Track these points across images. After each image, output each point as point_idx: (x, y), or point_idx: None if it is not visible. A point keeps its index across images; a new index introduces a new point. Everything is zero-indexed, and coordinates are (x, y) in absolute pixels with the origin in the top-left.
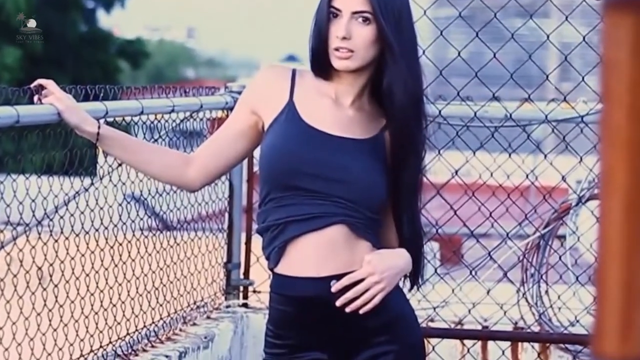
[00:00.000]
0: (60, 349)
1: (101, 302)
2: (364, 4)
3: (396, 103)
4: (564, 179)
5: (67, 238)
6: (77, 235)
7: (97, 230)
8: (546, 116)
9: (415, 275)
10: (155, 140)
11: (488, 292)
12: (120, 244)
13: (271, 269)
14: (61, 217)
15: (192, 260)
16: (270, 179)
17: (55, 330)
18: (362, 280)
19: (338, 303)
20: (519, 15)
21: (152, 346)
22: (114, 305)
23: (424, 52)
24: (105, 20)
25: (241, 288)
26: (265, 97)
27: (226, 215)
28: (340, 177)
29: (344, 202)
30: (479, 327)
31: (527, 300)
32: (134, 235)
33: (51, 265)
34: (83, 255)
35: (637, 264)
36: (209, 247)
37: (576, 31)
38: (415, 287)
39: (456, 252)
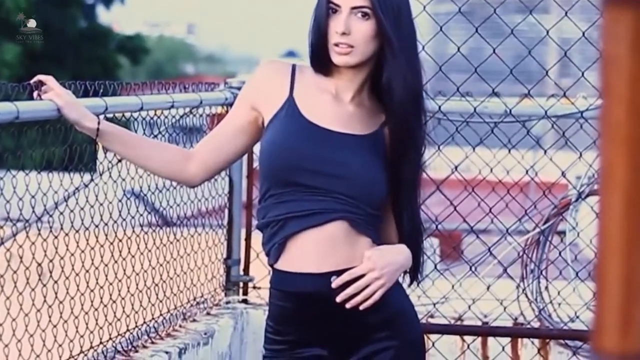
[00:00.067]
0: (60, 345)
1: (101, 298)
2: None
3: (395, 98)
4: (563, 174)
5: (66, 234)
6: (76, 231)
7: (96, 226)
8: (546, 112)
9: (415, 271)
10: (155, 136)
11: (488, 288)
12: (120, 240)
13: (271, 265)
14: (61, 213)
15: (192, 256)
16: (271, 175)
17: (55, 326)
18: (362, 276)
19: (338, 299)
20: (518, 10)
21: (152, 342)
22: (114, 302)
23: (423, 47)
24: (105, 16)
25: (241, 284)
26: (265, 92)
27: (226, 211)
28: (340, 173)
29: (344, 198)
30: (479, 323)
31: (527, 296)
32: (133, 231)
33: (51, 261)
34: (83, 252)
35: (636, 260)
36: (209, 243)
37: (576, 27)
38: (414, 283)
39: (456, 248)
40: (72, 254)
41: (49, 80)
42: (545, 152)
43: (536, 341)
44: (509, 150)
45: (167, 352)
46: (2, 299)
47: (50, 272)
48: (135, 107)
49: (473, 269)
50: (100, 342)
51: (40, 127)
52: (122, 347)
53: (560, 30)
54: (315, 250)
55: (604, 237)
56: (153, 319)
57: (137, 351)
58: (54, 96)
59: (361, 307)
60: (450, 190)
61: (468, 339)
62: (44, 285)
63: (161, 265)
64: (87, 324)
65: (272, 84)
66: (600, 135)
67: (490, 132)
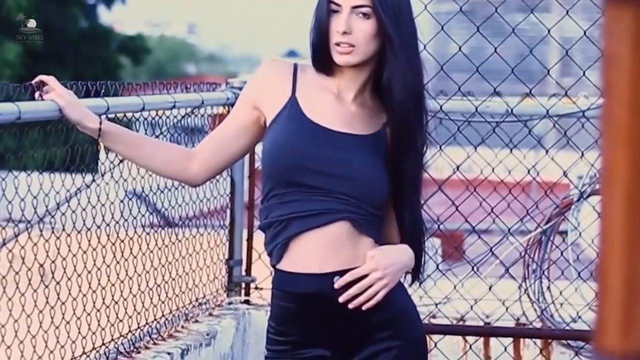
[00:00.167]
0: (62, 347)
1: (103, 299)
2: None
3: (396, 97)
4: (565, 174)
5: (68, 235)
6: (78, 232)
7: (98, 227)
8: (547, 111)
9: (417, 270)
10: (157, 137)
11: (490, 288)
12: (122, 241)
13: (273, 266)
14: (63, 214)
15: (194, 257)
16: (273, 175)
17: (57, 327)
18: (365, 276)
19: (341, 299)
20: (519, 10)
21: (154, 343)
22: (116, 303)
23: (424, 47)
24: (106, 16)
25: (243, 285)
26: (267, 92)
27: (228, 211)
28: (343, 173)
29: (347, 199)
30: (481, 324)
31: (529, 296)
32: (135, 232)
33: (53, 262)
34: (85, 252)
35: (638, 259)
36: (211, 243)
37: (577, 26)
38: (416, 282)
39: (458, 248)
40: (74, 255)
41: (50, 80)
42: (546, 151)
43: (538, 341)
44: (511, 150)
45: (169, 353)
46: (5, 300)
47: (52, 273)
48: (137, 108)
49: (475, 269)
50: (103, 344)
51: (42, 128)
52: (125, 348)
53: (562, 29)
54: (318, 250)
55: (605, 236)
56: (155, 320)
57: (139, 352)
58: (56, 96)
59: (364, 307)
60: (451, 190)
61: (470, 339)
62: (46, 286)
63: (163, 266)
64: (89, 325)
65: (274, 84)
66: (602, 135)
67: (492, 132)
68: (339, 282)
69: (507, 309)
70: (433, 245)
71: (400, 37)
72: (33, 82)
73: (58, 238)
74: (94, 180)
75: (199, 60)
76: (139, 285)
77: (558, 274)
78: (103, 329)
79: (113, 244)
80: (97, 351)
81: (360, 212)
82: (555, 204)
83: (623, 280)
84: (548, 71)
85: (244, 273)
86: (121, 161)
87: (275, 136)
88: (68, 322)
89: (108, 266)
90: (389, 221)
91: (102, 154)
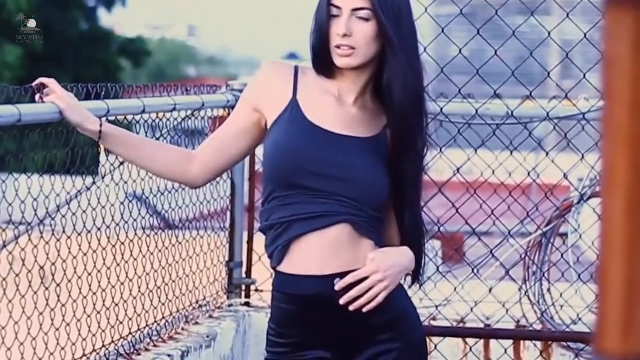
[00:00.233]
0: (62, 349)
1: (103, 301)
2: (364, 1)
3: (396, 99)
4: (565, 176)
5: (69, 237)
6: (79, 234)
7: (99, 229)
8: (548, 114)
9: (417, 272)
10: (157, 139)
11: (490, 291)
12: (122, 243)
13: (274, 268)
14: (63, 216)
15: (194, 259)
16: (274, 177)
17: (57, 329)
18: (365, 278)
19: (342, 301)
20: (520, 12)
21: (155, 345)
22: (117, 305)
23: (425, 49)
24: (107, 18)
25: (243, 287)
26: (268, 94)
27: (228, 214)
28: (344, 176)
29: (348, 201)
30: (481, 326)
31: (529, 299)
32: (135, 234)
33: (53, 264)
34: (85, 255)
35: (639, 261)
36: (211, 246)
37: (577, 28)
38: (416, 284)
39: (458, 251)
40: (75, 257)
41: (50, 82)
42: (547, 154)
43: (538, 344)
44: (511, 152)
45: (169, 355)
46: (5, 302)
47: (53, 275)
48: (137, 110)
49: (475, 271)
50: (103, 345)
51: (43, 130)
52: (125, 350)
53: (562, 32)
54: (319, 253)
55: (606, 238)
56: (155, 322)
57: (139, 354)
58: (56, 99)
59: (364, 310)
60: (452, 193)
61: (470, 341)
62: (47, 289)
63: (163, 268)
64: (89, 327)
65: (275, 86)
66: (602, 136)
67: (492, 134)
68: (339, 284)
69: (507, 311)
70: (433, 247)
71: (401, 39)
72: (33, 84)
73: (58, 240)
74: (94, 183)
75: (199, 63)
76: (139, 288)
77: (558, 276)
78: (103, 331)
79: (113, 247)
80: (97, 353)
81: (361, 215)
82: (555, 206)
83: (624, 282)
84: (548, 74)
85: (244, 275)
86: (121, 163)
87: (276, 139)
88: (68, 324)
89: (108, 268)
90: (389, 223)
91: (102, 157)
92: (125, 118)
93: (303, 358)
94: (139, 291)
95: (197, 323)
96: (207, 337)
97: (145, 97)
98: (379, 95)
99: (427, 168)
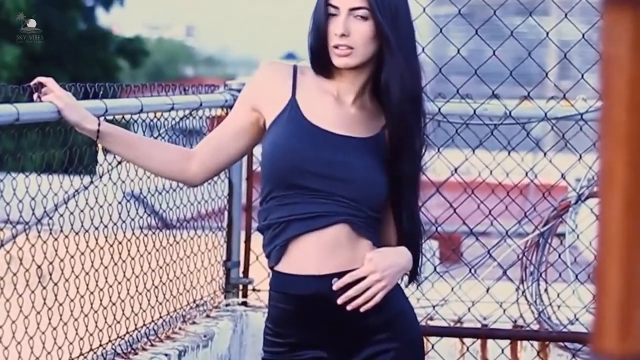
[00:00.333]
0: (59, 348)
1: (101, 300)
2: (361, 0)
3: (393, 98)
4: (563, 176)
5: (66, 236)
6: (76, 233)
7: (96, 228)
8: (545, 114)
9: (414, 272)
10: (155, 139)
11: (487, 291)
12: (120, 243)
13: (271, 267)
14: (61, 216)
15: (192, 258)
16: (273, 177)
17: (54, 328)
18: (363, 278)
19: (339, 301)
20: (518, 13)
21: (152, 345)
22: (114, 304)
23: (423, 49)
24: (105, 18)
25: (240, 286)
26: (266, 93)
27: (225, 213)
28: (343, 176)
29: (347, 202)
30: (479, 326)
31: (526, 299)
32: (133, 233)
33: (51, 263)
34: (83, 254)
35: (636, 261)
36: (209, 245)
37: (575, 29)
38: (412, 283)
39: (455, 251)
40: (72, 257)
41: (49, 82)
42: (544, 154)
43: (535, 344)
44: (509, 153)
45: (166, 355)
46: (2, 301)
47: (50, 275)
48: (135, 109)
49: (472, 271)
50: (100, 345)
51: (41, 129)
52: (122, 350)
53: (560, 32)
54: (317, 252)
55: (603, 238)
56: (153, 321)
57: (136, 354)
58: (54, 98)
59: (362, 309)
60: (449, 193)
61: (467, 341)
62: (44, 288)
63: (161, 267)
64: (86, 326)
65: (274, 85)
66: (600, 136)
67: (490, 134)
68: (337, 284)
69: (504, 311)
70: (431, 247)
71: (398, 39)
72: (31, 83)
73: (56, 239)
74: (92, 182)
75: (197, 63)
76: (137, 287)
77: (556, 277)
78: (100, 331)
79: (111, 246)
80: (95, 352)
81: (359, 215)
82: (553, 206)
83: (621, 282)
84: (546, 74)
85: (241, 275)
86: (119, 163)
87: (275, 138)
88: (66, 324)
89: (106, 268)
90: (387, 222)
91: (100, 156)
92: (123, 117)
93: (300, 358)
94: (137, 290)
95: (194, 322)
96: (205, 336)
97: (143, 96)
98: (377, 95)
99: (425, 168)
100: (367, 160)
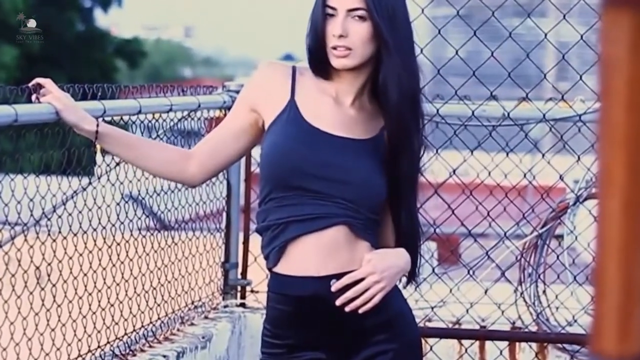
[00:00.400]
0: (58, 349)
1: (99, 301)
2: (359, 1)
3: (391, 99)
4: (561, 178)
5: (65, 238)
6: (75, 234)
7: (95, 229)
8: (544, 115)
9: (412, 273)
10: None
11: (486, 292)
12: (118, 244)
13: (270, 269)
14: (59, 217)
15: (190, 260)
16: (272, 179)
17: (53, 330)
18: (362, 279)
19: (338, 302)
20: (516, 14)
21: (150, 346)
22: (112, 305)
23: (421, 50)
24: (103, 19)
25: (239, 288)
26: (265, 94)
27: (224, 214)
28: (342, 178)
29: (345, 203)
30: (477, 327)
31: (524, 300)
32: (131, 235)
33: (49, 265)
34: (81, 255)
35: (635, 262)
36: (207, 246)
37: (574, 30)
38: (411, 285)
39: (454, 252)
40: (70, 258)
41: (47, 83)
42: (543, 155)
43: (534, 345)
44: (507, 154)
45: (164, 356)
46: (0, 303)
47: (49, 276)
48: (134, 110)
49: (471, 272)
50: (98, 346)
51: (39, 130)
52: (120, 351)
53: (558, 33)
54: (316, 254)
55: (602, 239)
56: (151, 322)
57: (135, 355)
58: (53, 99)
59: (360, 311)
60: (448, 194)
61: (466, 342)
62: (42, 289)
63: (159, 269)
64: (85, 327)
65: (273, 86)
66: (599, 137)
67: (488, 136)
68: (335, 285)
69: (502, 312)
70: (429, 248)
71: (395, 40)
72: (30, 84)
73: (54, 241)
74: (90, 183)
75: (195, 64)
76: (135, 288)
77: (554, 278)
78: (99, 332)
79: (109, 247)
80: (93, 354)
81: (358, 217)
82: (551, 207)
83: (620, 283)
84: (544, 75)
85: (239, 276)
86: (117, 164)
87: (274, 140)
88: (64, 325)
89: (104, 269)
90: (385, 223)
91: (98, 157)
92: (121, 118)
93: (298, 359)
94: (135, 292)
95: (192, 324)
96: (203, 337)
97: (142, 97)
98: (376, 96)
99: (424, 169)
100: (366, 162)
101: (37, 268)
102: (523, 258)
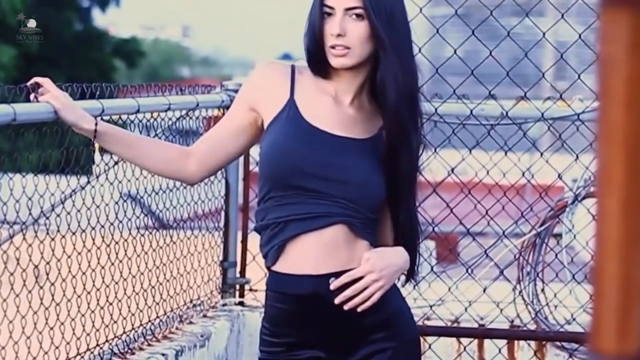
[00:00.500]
0: (56, 348)
1: (98, 300)
2: (356, 0)
3: (389, 98)
4: (560, 177)
5: (63, 236)
6: (73, 233)
7: (93, 228)
8: (542, 114)
9: (411, 271)
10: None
11: (484, 291)
12: (117, 243)
13: (268, 267)
14: (58, 216)
15: (189, 258)
16: (272, 177)
17: (51, 328)
18: (360, 277)
19: (337, 300)
20: (514, 13)
21: (149, 345)
22: (111, 304)
23: (420, 50)
24: (101, 19)
25: (237, 286)
26: (265, 93)
27: (222, 213)
28: (341, 177)
29: (345, 202)
30: (476, 326)
31: (523, 299)
32: (130, 233)
33: (48, 263)
34: (80, 254)
35: (634, 261)
36: (205, 245)
37: (572, 29)
38: (409, 282)
39: (452, 251)
40: (69, 256)
41: (45, 82)
42: (541, 154)
43: (532, 343)
44: (506, 153)
45: (163, 355)
46: (0, 302)
47: (47, 274)
48: (132, 110)
49: (469, 271)
50: (97, 345)
51: (37, 130)
52: (119, 350)
53: (556, 33)
54: (315, 252)
55: (601, 238)
56: (150, 321)
57: (133, 353)
58: (51, 98)
59: (359, 309)
60: (446, 193)
61: (464, 341)
62: (41, 288)
63: (157, 267)
64: (83, 326)
65: (272, 85)
66: (598, 137)
67: (487, 135)
68: (334, 284)
69: (501, 311)
70: (427, 247)
71: (393, 39)
72: (28, 83)
73: (53, 239)
74: (88, 182)
75: (193, 63)
76: (134, 287)
77: (552, 277)
78: (97, 330)
79: (108, 246)
80: (92, 352)
81: (357, 216)
82: (549, 206)
83: (619, 282)
84: (543, 74)
85: (238, 275)
86: (116, 163)
87: (273, 139)
88: (62, 323)
89: (102, 268)
90: (383, 222)
91: (96, 156)
92: (120, 118)
93: (297, 357)
94: (134, 290)
95: (191, 322)
96: (201, 336)
97: (140, 97)
98: (375, 96)
99: (422, 168)
100: (366, 162)
101: (36, 267)
102: (522, 257)
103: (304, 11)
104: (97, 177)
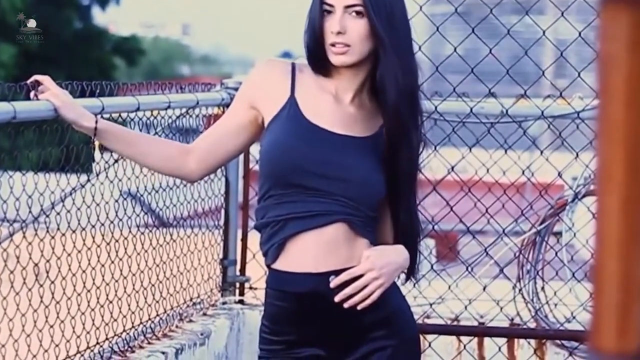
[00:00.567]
0: (56, 346)
1: (97, 298)
2: None
3: (389, 96)
4: (560, 175)
5: (63, 234)
6: (73, 231)
7: (93, 226)
8: (542, 112)
9: (411, 270)
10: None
11: (484, 289)
12: (117, 241)
13: (268, 265)
14: (58, 214)
15: (188, 256)
16: (272, 176)
17: (51, 326)
18: (360, 276)
19: (336, 298)
20: (514, 11)
21: (149, 343)
22: (111, 302)
23: (420, 48)
24: (101, 17)
25: (237, 285)
26: (265, 91)
27: (222, 211)
28: (342, 175)
29: (345, 201)
30: (475, 324)
31: (523, 297)
32: (130, 231)
33: (48, 261)
34: (79, 252)
35: (634, 259)
36: (205, 243)
37: (572, 27)
38: (409, 281)
39: (452, 249)
40: (69, 254)
41: (45, 80)
42: (541, 152)
43: (532, 342)
44: (505, 151)
45: (163, 353)
46: None
47: (47, 272)
48: (132, 108)
49: (469, 269)
50: (97, 343)
51: (37, 128)
52: (119, 348)
53: (556, 31)
54: (315, 250)
55: (601, 236)
56: (149, 319)
57: (133, 351)
58: (51, 96)
59: (359, 307)
60: (446, 191)
61: (464, 339)
62: (41, 286)
63: (157, 265)
64: (83, 324)
65: (273, 83)
66: (598, 135)
67: (487, 133)
68: (334, 282)
69: (501, 309)
70: (427, 245)
71: (392, 36)
72: (28, 81)
73: (53, 237)
74: (88, 180)
75: (193, 62)
76: (134, 285)
77: (552, 275)
78: (97, 328)
79: (108, 244)
80: (92, 350)
81: (357, 214)
82: (549, 204)
83: (619, 280)
84: (543, 72)
85: (238, 273)
86: (116, 161)
87: (274, 137)
88: (62, 322)
89: (102, 266)
90: (383, 220)
91: (96, 154)
92: (120, 116)
93: (297, 355)
94: (134, 288)
95: (191, 321)
96: (201, 334)
97: (140, 94)
98: (376, 94)
99: (422, 166)
100: (366, 160)
101: (36, 265)
102: (522, 255)
103: (304, 9)
104: (97, 175)
